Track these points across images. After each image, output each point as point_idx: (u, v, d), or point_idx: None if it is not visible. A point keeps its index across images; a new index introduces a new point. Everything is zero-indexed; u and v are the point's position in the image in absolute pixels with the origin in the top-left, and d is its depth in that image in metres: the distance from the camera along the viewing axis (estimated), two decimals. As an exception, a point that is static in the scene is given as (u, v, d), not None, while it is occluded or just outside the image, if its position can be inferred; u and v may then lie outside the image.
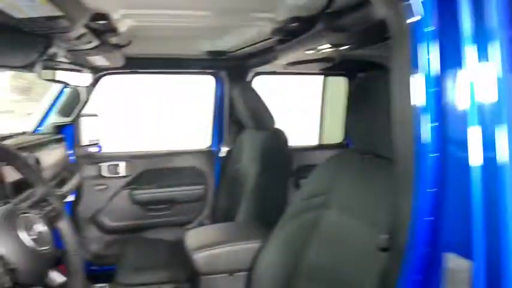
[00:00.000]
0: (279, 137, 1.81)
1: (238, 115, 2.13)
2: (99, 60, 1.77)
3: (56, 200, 1.05)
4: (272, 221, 1.48)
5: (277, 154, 1.77)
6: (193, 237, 1.53)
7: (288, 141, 1.82)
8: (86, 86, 2.03)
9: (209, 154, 2.46)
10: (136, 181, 2.31)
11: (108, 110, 3.23)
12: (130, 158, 2.31)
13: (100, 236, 2.29)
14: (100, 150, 4.16)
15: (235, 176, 2.12)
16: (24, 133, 2.07)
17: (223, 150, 2.35)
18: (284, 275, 1.29)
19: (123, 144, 4.13)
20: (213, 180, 2.45)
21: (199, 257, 1.39)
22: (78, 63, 1.70)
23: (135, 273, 1.72)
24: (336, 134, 2.88)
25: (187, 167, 2.40)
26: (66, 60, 1.50)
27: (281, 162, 1.78)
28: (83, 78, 1.62)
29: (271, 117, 1.89)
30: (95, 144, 2.38)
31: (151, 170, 2.34)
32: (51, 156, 1.86)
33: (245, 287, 1.40)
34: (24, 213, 0.84)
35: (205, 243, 1.43)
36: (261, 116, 1.88)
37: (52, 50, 1.26)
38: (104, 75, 2.16)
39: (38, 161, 1.55)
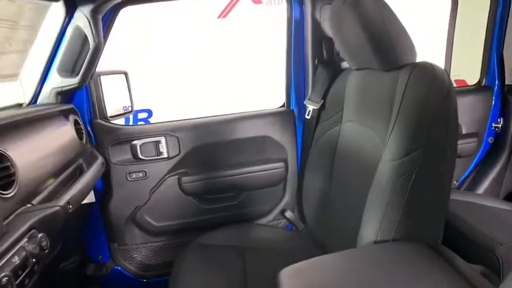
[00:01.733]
0: (435, 79, 0.91)
1: (336, 49, 1.27)
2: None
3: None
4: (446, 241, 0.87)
5: (436, 111, 0.89)
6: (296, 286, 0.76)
7: (453, 87, 0.94)
8: (94, 27, 1.30)
9: (287, 116, 1.66)
10: (186, 163, 1.60)
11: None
12: (175, 131, 1.58)
13: (145, 242, 1.66)
14: (147, 121, 3.51)
15: (331, 144, 1.32)
16: (20, 105, 1.43)
17: (309, 108, 1.52)
18: None
19: (162, 111, 3.33)
20: (295, 154, 1.67)
21: None
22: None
23: None
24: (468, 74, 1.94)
25: (257, 137, 1.63)
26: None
27: (444, 126, 0.90)
28: None
29: (410, 45, 1.00)
30: (126, 113, 1.69)
31: (205, 145, 1.60)
32: (53, 140, 1.20)
33: None
34: None
35: None
36: (388, 44, 0.99)
37: None
38: (116, 7, 1.40)
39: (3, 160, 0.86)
